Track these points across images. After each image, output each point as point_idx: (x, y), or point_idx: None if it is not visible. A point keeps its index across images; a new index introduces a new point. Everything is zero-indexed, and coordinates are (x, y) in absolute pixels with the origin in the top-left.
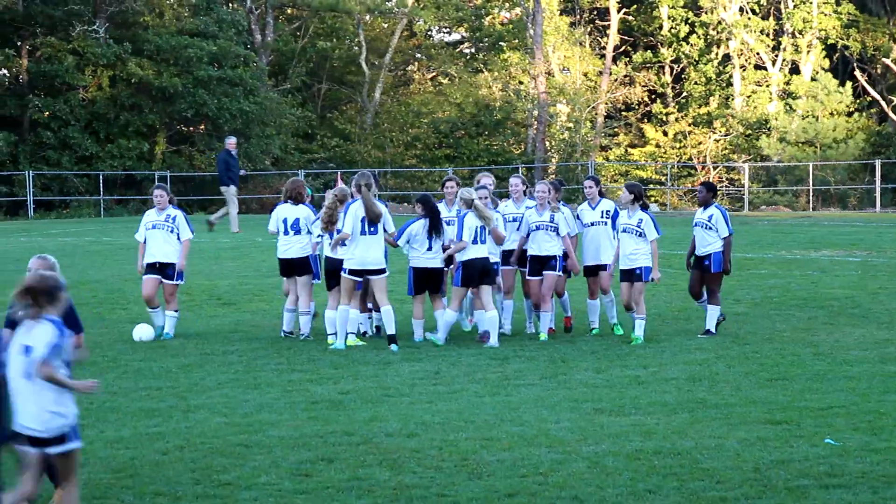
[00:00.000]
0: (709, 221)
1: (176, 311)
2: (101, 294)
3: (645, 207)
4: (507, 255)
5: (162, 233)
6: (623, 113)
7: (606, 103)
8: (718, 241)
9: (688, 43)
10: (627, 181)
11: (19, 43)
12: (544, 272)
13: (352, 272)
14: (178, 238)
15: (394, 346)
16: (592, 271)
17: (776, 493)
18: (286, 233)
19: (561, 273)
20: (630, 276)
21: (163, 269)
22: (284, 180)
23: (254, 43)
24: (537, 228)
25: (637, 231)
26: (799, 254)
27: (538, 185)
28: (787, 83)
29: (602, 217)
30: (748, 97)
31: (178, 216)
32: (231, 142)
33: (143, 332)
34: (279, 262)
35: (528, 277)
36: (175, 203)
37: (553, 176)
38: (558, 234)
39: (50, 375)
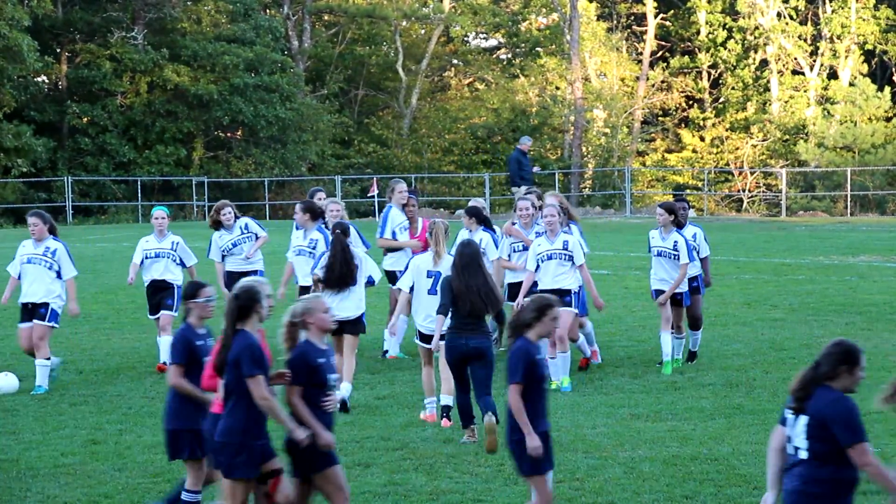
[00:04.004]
0: (694, 241)
1: (47, 358)
2: (139, 299)
3: (679, 227)
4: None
5: (37, 268)
6: (660, 118)
7: (643, 109)
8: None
9: (725, 48)
10: (662, 201)
11: (59, 49)
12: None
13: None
14: (59, 276)
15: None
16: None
17: None
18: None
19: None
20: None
21: (35, 311)
22: (321, 186)
23: (291, 49)
24: (549, 258)
25: (675, 255)
26: (837, 259)
27: (546, 209)
28: (825, 88)
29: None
30: (786, 102)
31: (58, 249)
32: (525, 142)
33: (3, 382)
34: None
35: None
36: (57, 234)
37: (590, 182)
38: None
39: None
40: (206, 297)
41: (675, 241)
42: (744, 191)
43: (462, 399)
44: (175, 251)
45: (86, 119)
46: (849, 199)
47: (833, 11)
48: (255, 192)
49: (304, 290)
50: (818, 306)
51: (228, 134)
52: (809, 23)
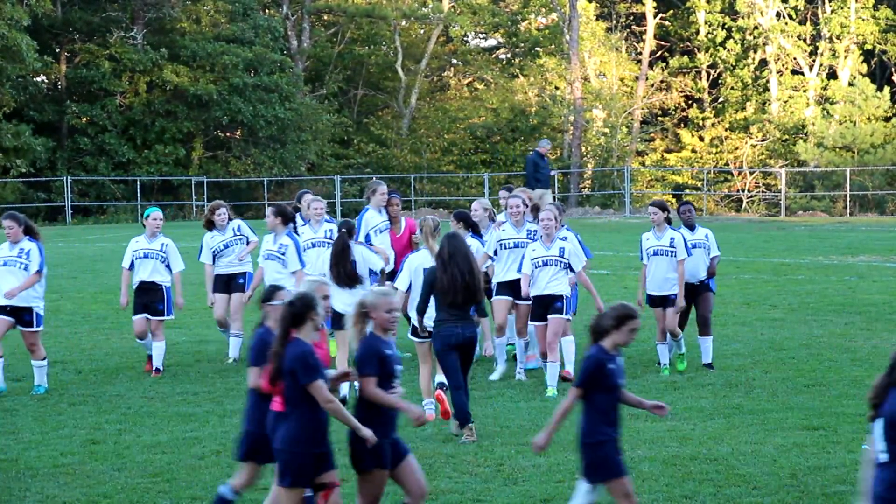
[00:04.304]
0: (707, 241)
1: (43, 358)
2: None
3: (669, 223)
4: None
5: (14, 270)
6: (659, 118)
7: (642, 108)
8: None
9: (724, 48)
10: (654, 199)
11: (58, 49)
12: (549, 316)
13: None
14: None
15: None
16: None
17: (813, 500)
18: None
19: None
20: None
21: (17, 314)
22: (320, 186)
23: (290, 49)
24: (545, 264)
25: (672, 252)
26: (836, 259)
27: (542, 212)
28: (825, 88)
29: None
30: (785, 102)
31: (31, 250)
32: (544, 145)
33: None
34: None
35: (531, 322)
36: (35, 234)
37: (589, 182)
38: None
39: None
40: (283, 301)
41: (672, 238)
42: (743, 191)
43: (458, 398)
44: (164, 252)
45: (85, 119)
46: (848, 199)
47: (832, 11)
48: (254, 192)
49: None
50: (817, 306)
51: (227, 134)
52: (809, 23)
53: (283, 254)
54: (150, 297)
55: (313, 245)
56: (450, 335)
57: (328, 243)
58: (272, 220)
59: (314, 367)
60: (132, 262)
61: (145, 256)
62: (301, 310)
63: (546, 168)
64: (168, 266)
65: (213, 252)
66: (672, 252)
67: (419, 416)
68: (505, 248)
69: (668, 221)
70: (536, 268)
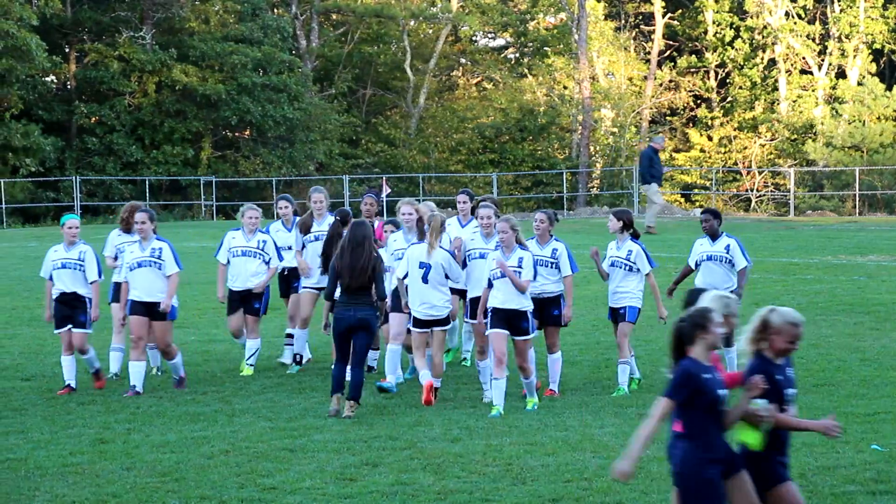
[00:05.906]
0: (727, 253)
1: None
2: None
3: (636, 237)
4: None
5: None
6: (668, 118)
7: (651, 108)
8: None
9: (733, 47)
10: (616, 208)
11: (67, 49)
12: (515, 338)
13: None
14: None
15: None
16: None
17: (822, 499)
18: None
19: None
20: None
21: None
22: (329, 186)
23: (299, 49)
24: (503, 275)
25: (627, 265)
26: (845, 259)
27: (499, 224)
28: (834, 88)
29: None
30: (794, 102)
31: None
32: (659, 142)
33: None
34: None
35: (491, 330)
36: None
37: (598, 182)
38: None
39: None
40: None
41: (630, 251)
42: (752, 190)
43: (339, 369)
44: (82, 262)
45: (94, 119)
46: (857, 199)
47: (841, 11)
48: (262, 192)
49: (151, 305)
50: (827, 306)
51: (236, 133)
52: (818, 22)
53: (160, 257)
54: (72, 310)
55: (243, 254)
56: (342, 318)
57: (258, 254)
58: (147, 226)
59: (680, 385)
60: (51, 273)
61: (63, 267)
62: (689, 330)
63: (660, 164)
64: (84, 276)
65: (117, 249)
66: (628, 265)
67: (826, 429)
68: (471, 259)
69: (636, 235)
70: (494, 279)
